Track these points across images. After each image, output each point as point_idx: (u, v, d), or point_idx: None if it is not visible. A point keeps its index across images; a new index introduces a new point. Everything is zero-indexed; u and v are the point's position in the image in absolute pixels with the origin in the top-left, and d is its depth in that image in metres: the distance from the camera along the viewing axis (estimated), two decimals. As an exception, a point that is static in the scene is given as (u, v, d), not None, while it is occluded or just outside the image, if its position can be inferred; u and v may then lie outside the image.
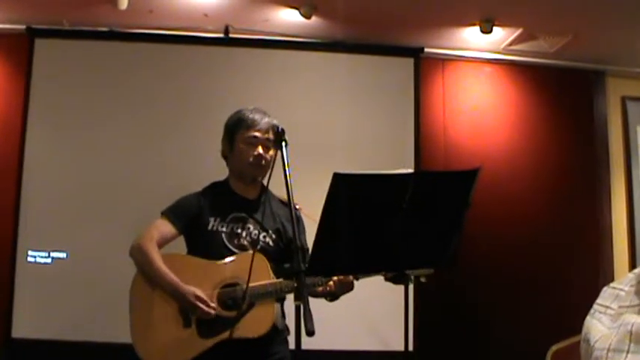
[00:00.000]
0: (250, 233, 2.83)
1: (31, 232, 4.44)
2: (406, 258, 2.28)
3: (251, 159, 2.85)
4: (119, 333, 4.24)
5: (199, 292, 2.67)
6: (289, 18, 4.51)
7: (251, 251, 2.72)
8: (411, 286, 2.33)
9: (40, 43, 4.63)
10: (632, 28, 4.52)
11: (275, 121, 2.85)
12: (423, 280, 2.46)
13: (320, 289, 2.74)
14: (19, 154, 4.51)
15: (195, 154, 4.55)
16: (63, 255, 4.43)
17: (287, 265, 2.30)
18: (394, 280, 2.33)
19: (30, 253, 4.41)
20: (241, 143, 2.87)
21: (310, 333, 2.00)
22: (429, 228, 2.27)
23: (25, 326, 4.35)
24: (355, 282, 2.72)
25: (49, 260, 4.42)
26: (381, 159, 4.67)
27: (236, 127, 2.90)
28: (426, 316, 4.56)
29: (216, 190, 2.96)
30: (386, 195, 2.17)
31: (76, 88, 4.62)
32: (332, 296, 2.78)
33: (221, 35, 4.70)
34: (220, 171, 3.04)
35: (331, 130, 4.74)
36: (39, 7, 4.39)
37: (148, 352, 2.70)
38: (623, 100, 5.31)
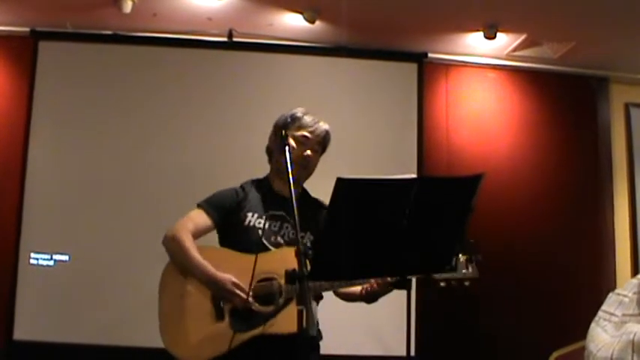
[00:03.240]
0: (288, 232, 2.78)
1: (34, 234, 4.45)
2: (409, 263, 2.27)
3: (298, 158, 2.76)
4: (121, 335, 4.28)
5: (236, 280, 2.58)
6: (293, 23, 4.52)
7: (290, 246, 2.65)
8: (413, 292, 2.32)
9: (44, 46, 4.65)
10: (635, 35, 4.52)
11: (328, 127, 2.85)
12: (454, 283, 2.43)
13: (360, 288, 2.69)
14: (22, 156, 4.52)
15: (199, 157, 4.56)
16: (65, 257, 4.43)
17: (290, 270, 2.27)
18: (396, 286, 2.32)
19: (32, 255, 4.42)
20: (291, 141, 2.79)
21: (312, 338, 2.00)
22: (431, 233, 2.26)
23: (26, 328, 4.35)
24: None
25: (51, 262, 4.42)
26: (384, 164, 4.67)
27: (288, 124, 2.81)
28: (428, 322, 4.56)
29: (254, 186, 2.89)
30: (389, 200, 2.16)
31: (79, 91, 4.63)
32: (373, 296, 2.69)
33: (225, 39, 4.71)
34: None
35: (334, 135, 4.65)
36: (43, 9, 4.40)
37: (179, 345, 2.61)
38: (627, 107, 5.31)
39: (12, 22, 4.57)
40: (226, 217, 2.79)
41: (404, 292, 2.27)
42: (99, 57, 4.68)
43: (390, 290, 2.64)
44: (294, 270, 2.20)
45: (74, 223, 4.48)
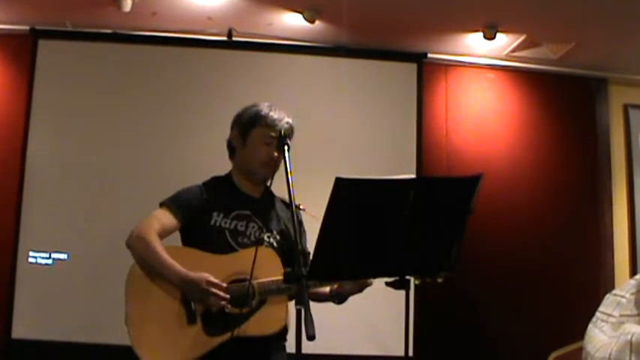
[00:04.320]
0: (254, 232, 2.72)
1: (33, 232, 4.44)
2: (407, 263, 2.27)
3: (265, 159, 2.73)
4: (120, 335, 4.25)
5: (212, 278, 2.49)
6: (293, 22, 4.51)
7: (262, 246, 2.62)
8: (412, 292, 2.32)
9: (43, 45, 4.63)
10: (635, 36, 4.52)
11: (291, 120, 2.76)
12: (428, 280, 2.41)
13: (329, 288, 2.67)
14: (21, 155, 4.51)
15: (197, 156, 4.55)
16: (64, 256, 4.43)
17: (288, 270, 2.26)
18: (395, 286, 2.32)
19: (31, 253, 4.41)
20: (257, 141, 2.74)
21: (311, 337, 1.99)
22: (430, 234, 2.27)
23: (25, 327, 4.35)
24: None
25: (49, 261, 4.42)
26: (383, 164, 4.67)
27: (253, 123, 2.75)
28: (427, 322, 4.55)
29: (218, 184, 2.83)
30: (388, 200, 2.16)
31: (78, 90, 4.62)
32: (342, 296, 2.68)
33: (224, 38, 4.71)
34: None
35: (333, 135, 4.75)
36: (42, 8, 4.40)
37: (149, 351, 2.52)
38: (626, 108, 5.32)
39: (11, 20, 4.57)
40: (192, 217, 2.71)
41: (402, 292, 2.27)
42: (98, 56, 4.67)
43: (359, 291, 2.64)
44: (292, 270, 2.20)
45: (73, 221, 4.47)
